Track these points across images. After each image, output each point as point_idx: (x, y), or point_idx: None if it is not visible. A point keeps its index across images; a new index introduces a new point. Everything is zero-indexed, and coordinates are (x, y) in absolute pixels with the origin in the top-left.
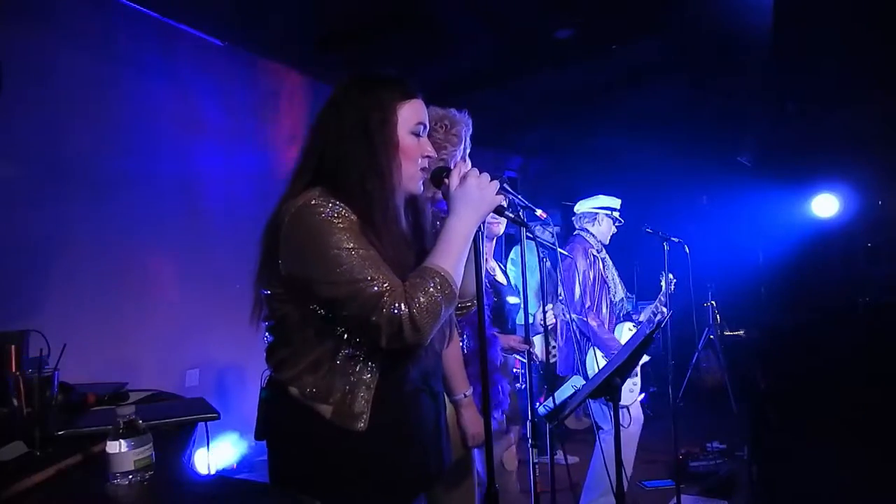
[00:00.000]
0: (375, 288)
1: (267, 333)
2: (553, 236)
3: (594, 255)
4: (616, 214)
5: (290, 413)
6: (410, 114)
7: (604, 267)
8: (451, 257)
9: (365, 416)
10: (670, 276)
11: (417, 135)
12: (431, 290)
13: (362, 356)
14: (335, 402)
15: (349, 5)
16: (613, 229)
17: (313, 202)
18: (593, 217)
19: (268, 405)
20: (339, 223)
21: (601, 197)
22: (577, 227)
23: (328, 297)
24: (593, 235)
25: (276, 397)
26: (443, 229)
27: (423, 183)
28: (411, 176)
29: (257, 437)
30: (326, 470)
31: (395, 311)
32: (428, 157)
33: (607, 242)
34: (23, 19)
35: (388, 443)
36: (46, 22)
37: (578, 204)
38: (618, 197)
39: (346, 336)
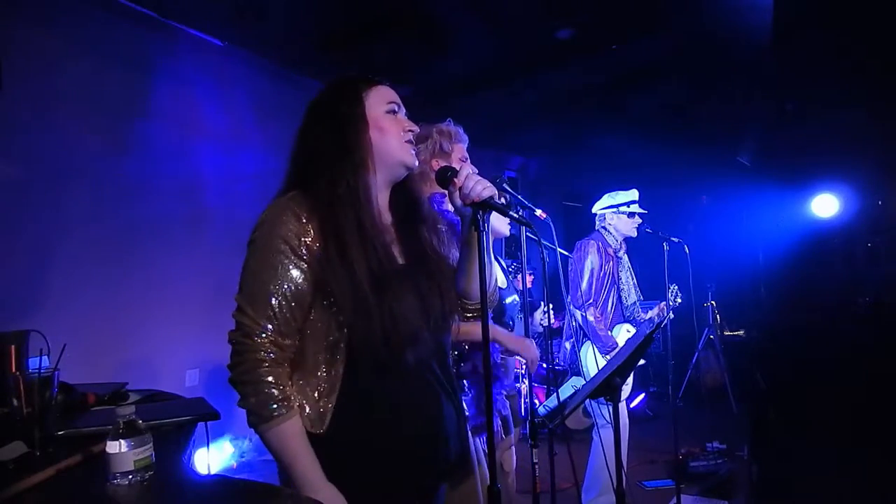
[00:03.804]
0: (259, 332)
1: None
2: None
3: (610, 254)
4: (630, 208)
5: None
6: (379, 97)
7: (619, 268)
8: None
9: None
10: (675, 287)
11: (394, 112)
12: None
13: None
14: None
15: (349, 5)
16: (637, 220)
17: (271, 207)
18: (603, 217)
19: None
20: (281, 242)
21: (611, 194)
22: (596, 226)
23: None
24: (611, 233)
25: None
26: None
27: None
28: (398, 147)
29: None
30: None
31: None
32: (410, 130)
33: (633, 235)
34: (23, 19)
35: (355, 444)
36: (47, 21)
37: (595, 205)
38: None
39: (324, 330)
